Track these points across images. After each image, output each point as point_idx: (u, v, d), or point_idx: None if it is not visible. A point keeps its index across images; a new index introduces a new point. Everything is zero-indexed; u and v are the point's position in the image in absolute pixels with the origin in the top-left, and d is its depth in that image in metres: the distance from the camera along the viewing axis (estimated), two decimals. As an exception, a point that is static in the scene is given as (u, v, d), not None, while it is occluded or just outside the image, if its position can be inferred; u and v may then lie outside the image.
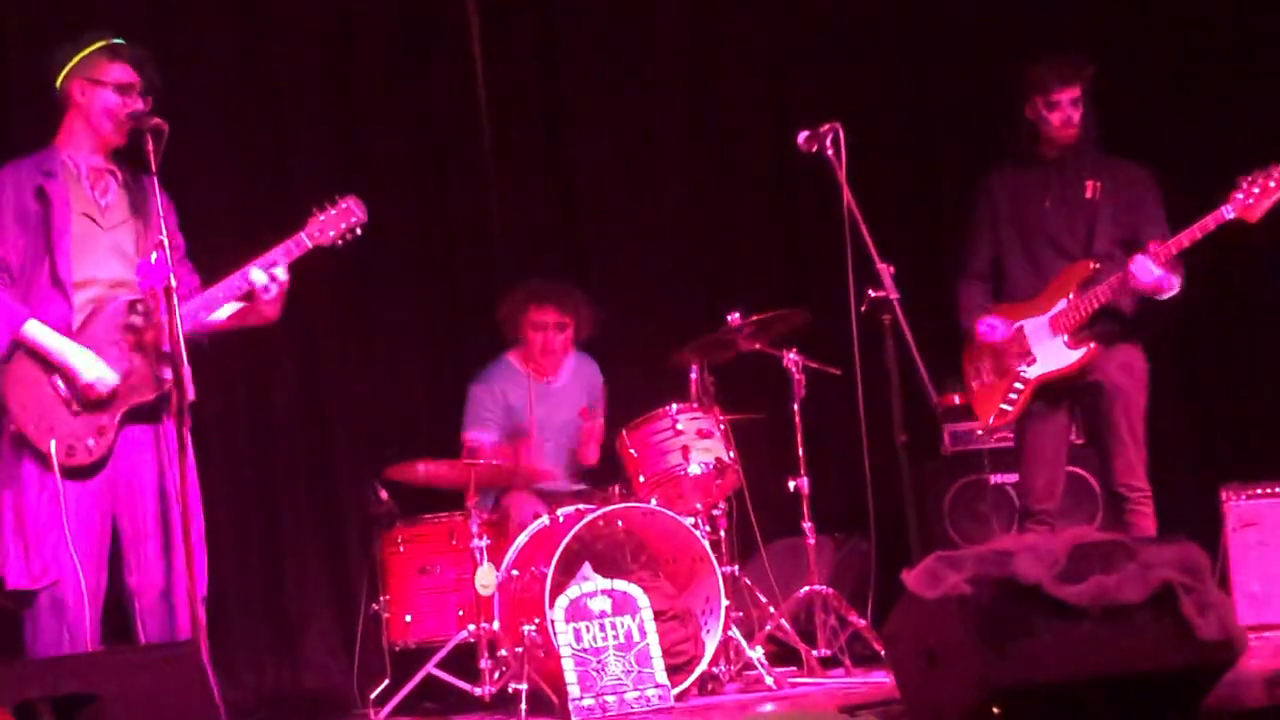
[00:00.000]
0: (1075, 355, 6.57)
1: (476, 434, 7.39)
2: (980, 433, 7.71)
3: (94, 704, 4.36)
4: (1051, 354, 6.62)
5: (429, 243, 8.24)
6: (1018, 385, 6.65)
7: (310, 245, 5.67)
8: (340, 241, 5.75)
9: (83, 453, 5.38)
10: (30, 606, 5.38)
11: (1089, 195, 6.66)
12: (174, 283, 5.20)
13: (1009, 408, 6.68)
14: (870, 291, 6.00)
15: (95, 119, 5.57)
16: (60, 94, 5.62)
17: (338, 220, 5.71)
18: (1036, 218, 6.72)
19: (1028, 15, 8.57)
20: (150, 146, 5.32)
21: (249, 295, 5.60)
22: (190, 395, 5.21)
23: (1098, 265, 6.57)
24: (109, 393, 5.40)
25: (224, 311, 5.68)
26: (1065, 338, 6.59)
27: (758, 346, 7.16)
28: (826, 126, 6.17)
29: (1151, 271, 6.38)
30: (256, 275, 5.54)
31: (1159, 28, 8.66)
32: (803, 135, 6.24)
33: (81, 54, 5.59)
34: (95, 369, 5.39)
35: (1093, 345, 6.56)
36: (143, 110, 5.49)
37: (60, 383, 5.38)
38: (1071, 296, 6.58)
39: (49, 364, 5.38)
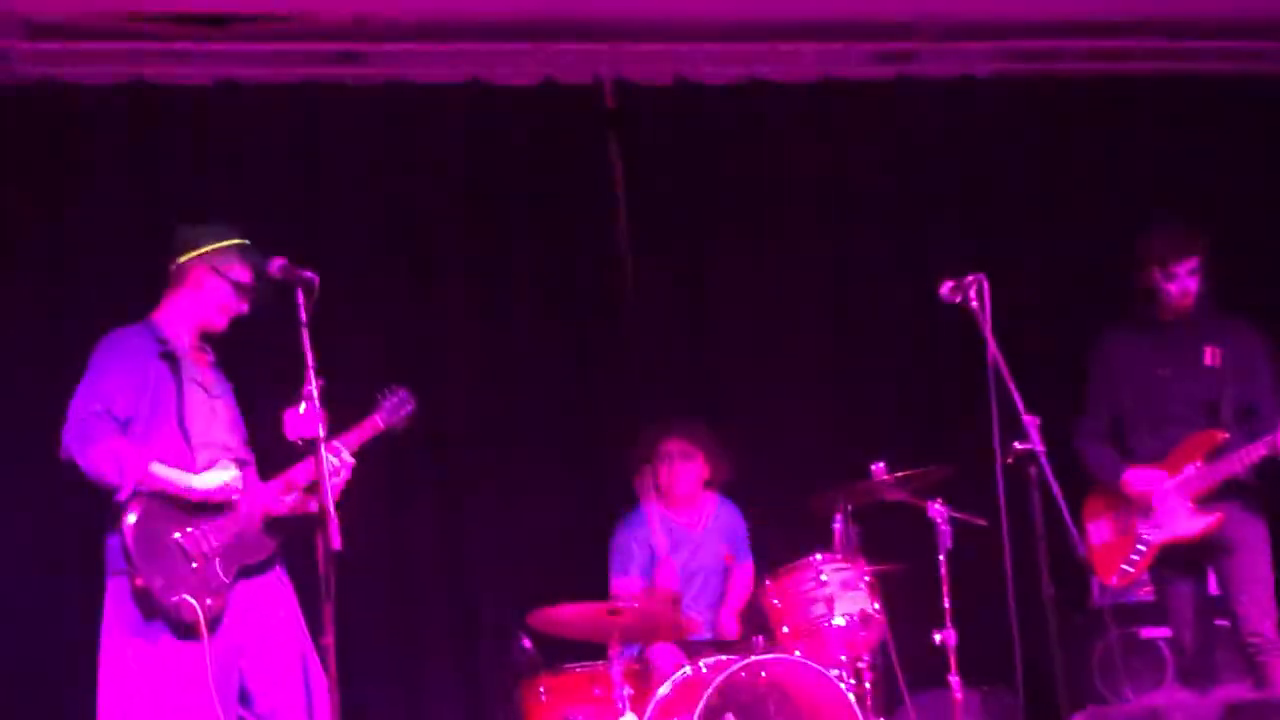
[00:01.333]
0: (1201, 523, 6.57)
1: (623, 581, 7.39)
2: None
3: None
4: (1177, 519, 6.62)
5: (569, 387, 8.30)
6: (1140, 547, 6.63)
7: (383, 427, 6.06)
8: (399, 426, 6.14)
9: (203, 610, 5.45)
10: None
11: (1208, 362, 6.66)
12: (323, 432, 5.30)
13: (1130, 569, 6.66)
14: (1016, 444, 5.99)
15: (206, 305, 5.77)
16: (177, 271, 5.80)
17: (399, 408, 6.13)
18: (1156, 383, 6.72)
19: (1171, 170, 8.58)
20: (300, 299, 5.43)
21: (312, 487, 5.66)
22: (336, 545, 5.30)
23: (1227, 436, 6.55)
24: (239, 490, 5.58)
25: (291, 496, 5.87)
26: (1191, 504, 6.56)
27: (903, 497, 7.12)
28: (971, 277, 6.20)
29: None
30: (327, 460, 5.56)
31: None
32: (947, 286, 6.26)
33: (215, 245, 5.80)
34: (218, 476, 5.57)
35: (1220, 515, 6.52)
36: (290, 264, 5.61)
37: (180, 535, 5.47)
38: (1199, 464, 6.55)
39: (170, 516, 5.47)
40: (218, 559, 5.51)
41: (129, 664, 5.48)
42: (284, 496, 5.78)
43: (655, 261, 8.50)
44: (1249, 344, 6.74)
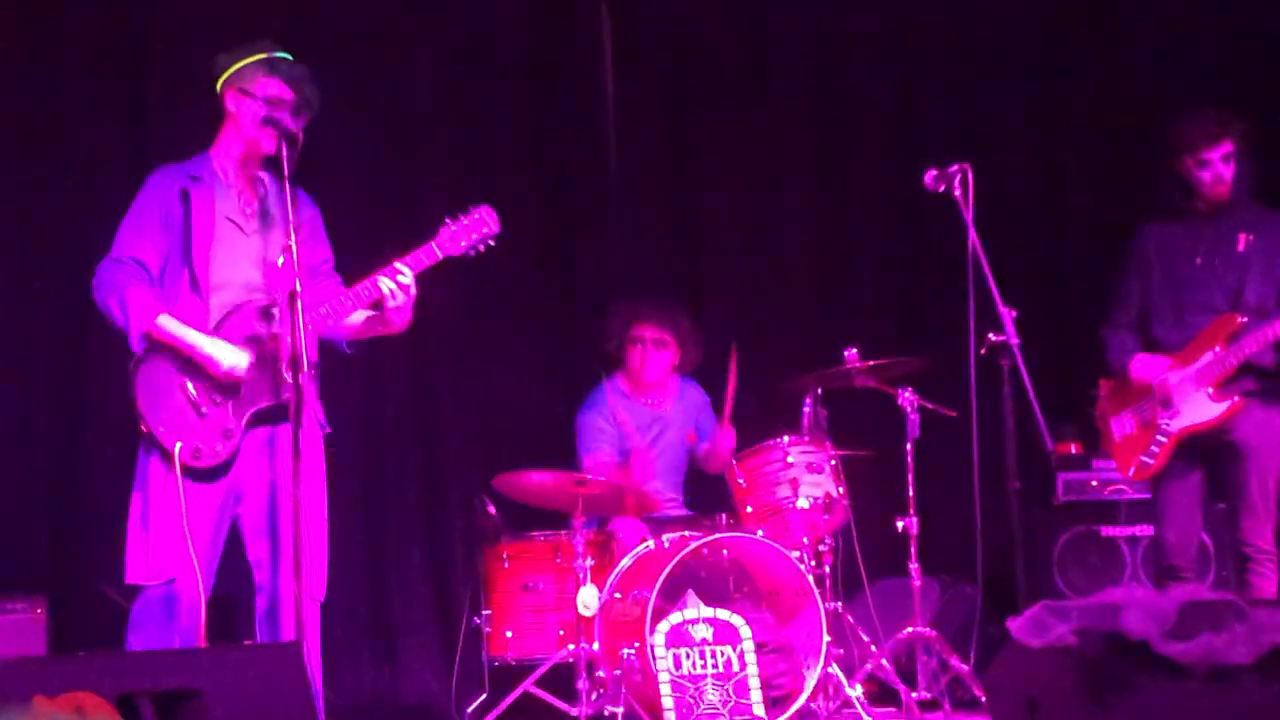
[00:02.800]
0: (1219, 409, 6.50)
1: (595, 457, 7.38)
2: (1094, 483, 7.66)
3: (196, 699, 4.39)
4: (1196, 407, 6.54)
5: (547, 260, 8.28)
6: (1160, 438, 6.57)
7: (441, 255, 5.67)
8: (472, 252, 5.74)
9: (209, 455, 5.44)
10: (142, 602, 5.46)
11: (1241, 249, 6.59)
12: (299, 288, 5.23)
13: (1150, 460, 6.60)
14: (991, 335, 5.99)
15: (246, 129, 5.63)
16: (218, 101, 5.70)
17: (469, 230, 5.72)
18: (1187, 273, 6.65)
19: (1162, 62, 8.53)
20: (284, 152, 5.38)
21: (377, 304, 5.64)
22: (314, 404, 5.26)
23: (1245, 319, 6.50)
24: (243, 377, 5.46)
25: (356, 318, 5.73)
26: (1210, 390, 6.51)
27: (873, 383, 7.12)
28: (955, 167, 6.17)
29: None
30: (384, 283, 5.58)
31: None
32: (930, 174, 6.23)
33: (239, 64, 5.65)
34: (230, 356, 5.45)
35: (1237, 399, 6.49)
36: (278, 116, 5.55)
37: (191, 386, 5.45)
38: (1219, 349, 6.51)
39: (182, 363, 5.45)
40: (230, 404, 5.48)
41: (135, 507, 5.51)
42: (349, 316, 5.70)
43: (640, 136, 8.45)
44: None
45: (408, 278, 5.60)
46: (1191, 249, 6.64)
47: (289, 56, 5.68)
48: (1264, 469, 6.53)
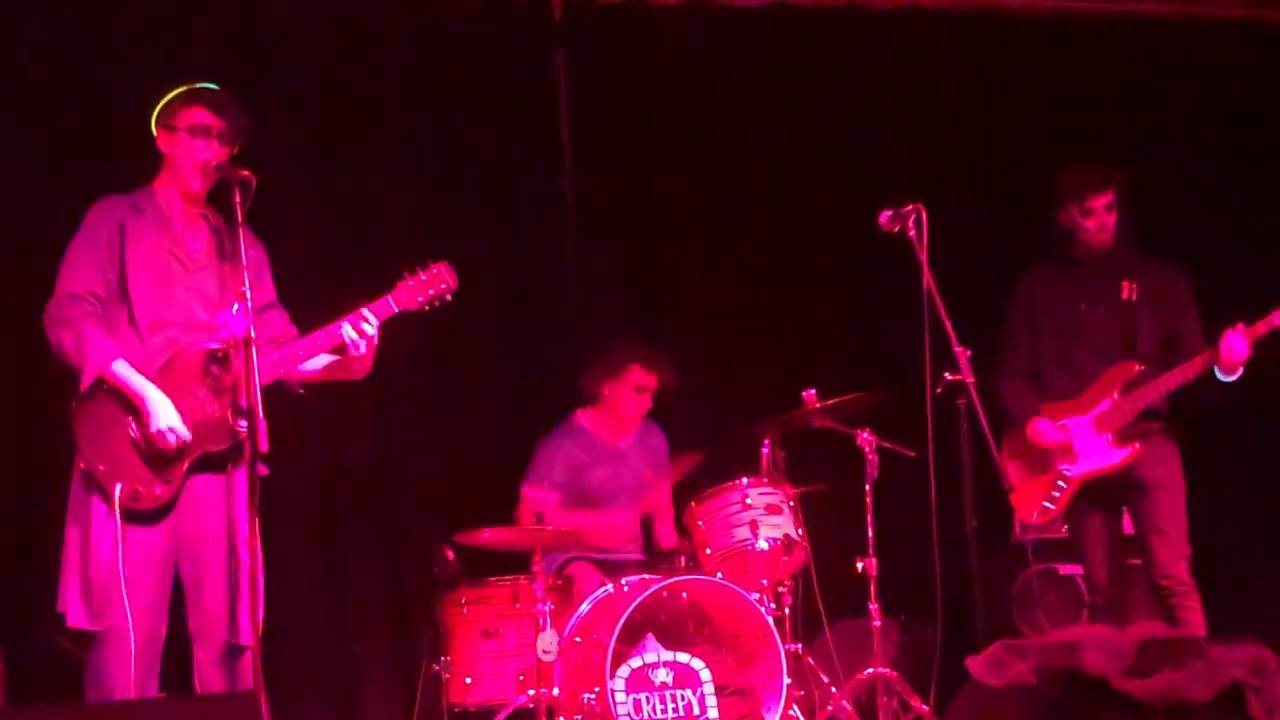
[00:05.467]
0: (1120, 454, 6.65)
1: (535, 491, 7.41)
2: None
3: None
4: (1096, 453, 6.68)
5: (505, 307, 8.26)
6: (1060, 484, 6.68)
7: (396, 309, 5.69)
8: (428, 307, 5.77)
9: (147, 499, 5.41)
10: (90, 649, 5.41)
11: (1125, 296, 6.73)
12: (253, 334, 5.23)
13: (1051, 505, 6.73)
14: (946, 374, 6.02)
15: (177, 165, 5.63)
16: (154, 144, 5.70)
17: (427, 286, 5.74)
18: (1073, 319, 6.79)
19: (1116, 99, 8.66)
20: (237, 198, 5.37)
21: (340, 349, 5.63)
22: (264, 447, 5.23)
23: (1143, 367, 6.62)
24: (175, 447, 5.43)
25: (317, 362, 5.71)
26: (1110, 436, 6.63)
27: (831, 424, 7.14)
28: (910, 207, 6.22)
29: (1241, 350, 6.44)
30: (347, 331, 5.57)
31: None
32: (885, 215, 6.28)
33: (163, 101, 5.66)
34: (170, 419, 5.41)
35: (1138, 445, 6.60)
36: (229, 162, 5.54)
37: (134, 425, 5.42)
38: (1116, 396, 6.63)
39: (127, 404, 5.42)
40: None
41: (71, 542, 5.46)
42: (309, 361, 5.68)
43: (598, 181, 8.46)
44: (1169, 278, 6.82)
45: (372, 326, 5.60)
46: (1076, 295, 6.79)
47: (213, 86, 5.67)
48: (1172, 503, 6.65)
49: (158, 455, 5.42)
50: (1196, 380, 6.58)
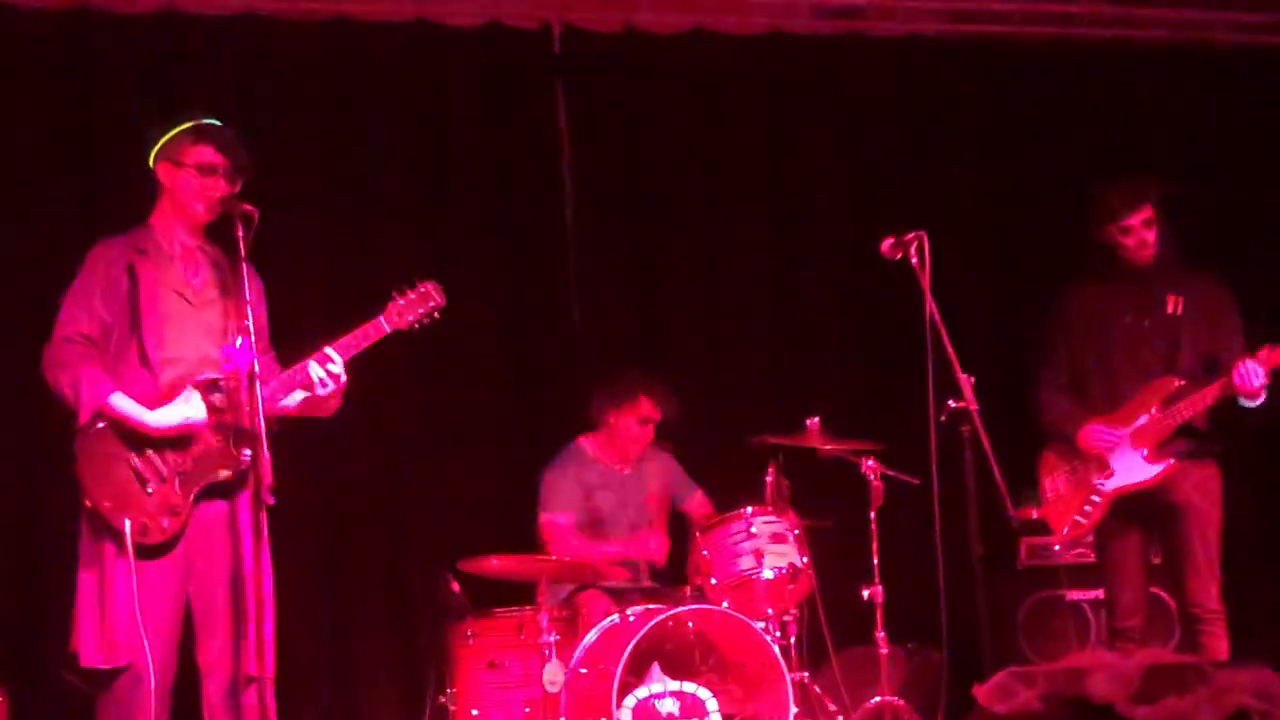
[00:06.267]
0: (1155, 470, 6.56)
1: (554, 516, 7.40)
2: (1057, 548, 7.68)
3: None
4: (1131, 468, 6.60)
5: (507, 335, 8.28)
6: (1094, 498, 6.63)
7: (388, 329, 5.72)
8: (418, 325, 5.79)
9: (155, 533, 5.41)
10: (104, 689, 5.40)
11: (1170, 310, 6.67)
12: (257, 368, 5.25)
13: (1083, 520, 6.67)
14: (950, 402, 6.01)
15: (182, 200, 5.65)
16: (152, 175, 5.71)
17: (416, 305, 5.77)
18: (1116, 334, 6.72)
19: (1116, 125, 8.69)
20: (240, 232, 5.39)
21: (309, 387, 5.64)
22: (268, 479, 5.24)
23: (1182, 382, 6.56)
24: (201, 425, 5.44)
25: (293, 399, 5.72)
26: (1145, 452, 6.57)
27: (835, 452, 7.14)
28: (911, 234, 6.22)
29: (1256, 378, 6.39)
30: (314, 370, 5.59)
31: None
32: (887, 242, 6.28)
33: (167, 137, 5.67)
34: (177, 414, 5.43)
35: (1172, 461, 6.54)
36: (232, 195, 5.57)
37: (136, 460, 5.42)
38: (1154, 411, 6.57)
39: (128, 440, 5.42)
40: (176, 479, 5.45)
41: (86, 584, 5.44)
42: (285, 398, 5.69)
43: (599, 209, 8.47)
44: (1213, 293, 6.74)
45: (338, 366, 5.62)
46: (1120, 309, 6.73)
47: (217, 122, 5.70)
48: (1205, 529, 6.59)
49: (171, 472, 5.42)
50: (1228, 400, 6.54)
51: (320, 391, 5.61)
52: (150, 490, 5.42)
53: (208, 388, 5.51)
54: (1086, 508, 6.65)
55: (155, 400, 5.48)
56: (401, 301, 5.75)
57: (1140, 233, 6.68)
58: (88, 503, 5.42)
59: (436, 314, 5.81)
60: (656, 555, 7.46)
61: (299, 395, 5.71)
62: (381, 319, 5.71)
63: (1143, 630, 6.69)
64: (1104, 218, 6.72)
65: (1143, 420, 6.60)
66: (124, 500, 5.39)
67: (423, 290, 5.80)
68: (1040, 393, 6.86)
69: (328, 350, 5.62)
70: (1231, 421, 6.62)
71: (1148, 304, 6.71)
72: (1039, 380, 6.88)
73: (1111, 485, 6.63)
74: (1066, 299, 6.89)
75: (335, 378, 5.62)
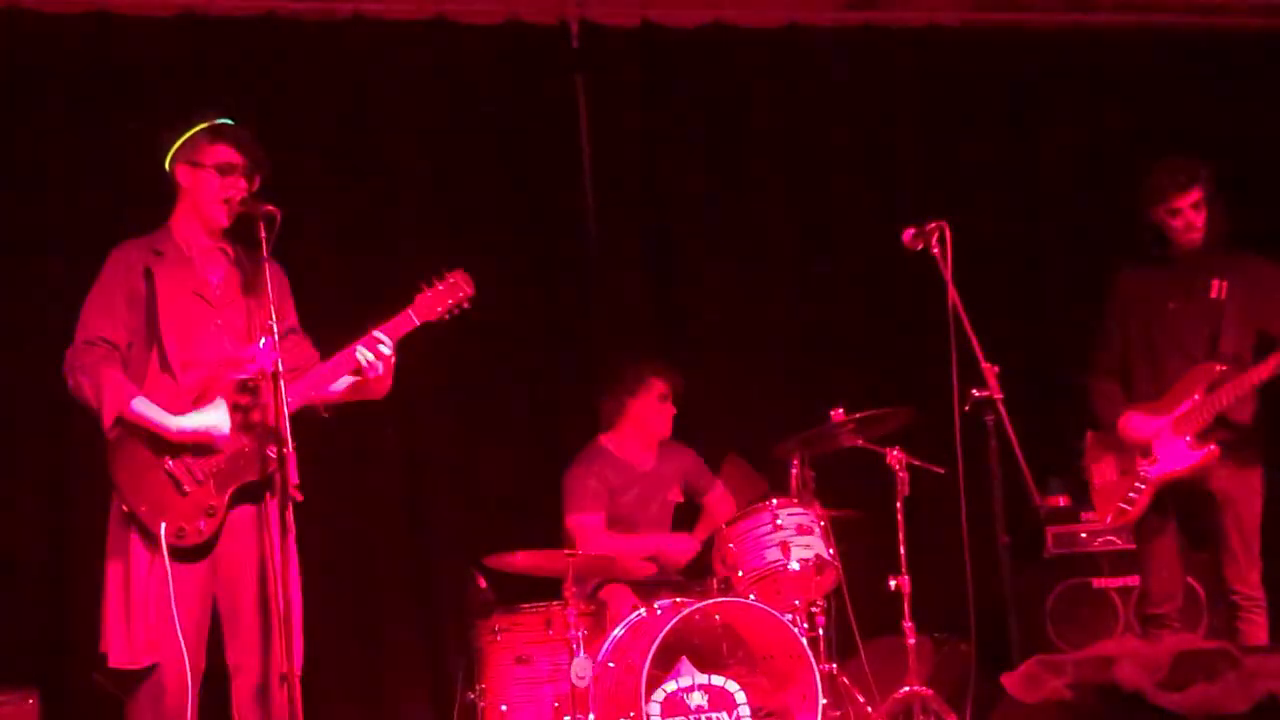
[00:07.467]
0: (1198, 455, 6.56)
1: (582, 516, 7.39)
2: (1084, 535, 7.67)
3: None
4: (1174, 454, 6.60)
5: (530, 333, 8.30)
6: (1139, 485, 6.63)
7: (418, 322, 5.70)
8: (448, 316, 5.78)
9: (193, 535, 5.41)
10: (131, 690, 5.41)
11: (1214, 295, 6.64)
12: (280, 367, 5.25)
13: (1128, 507, 6.67)
14: (974, 391, 6.00)
15: (201, 201, 5.65)
16: (170, 178, 5.72)
17: (445, 296, 5.75)
18: (1161, 319, 6.71)
19: (1137, 115, 8.65)
20: (262, 233, 5.39)
21: (357, 370, 5.64)
22: (294, 479, 5.25)
23: (1224, 368, 6.54)
24: (225, 434, 5.44)
25: (341, 384, 5.72)
26: (1188, 439, 6.56)
27: (860, 443, 7.13)
28: (933, 224, 6.21)
29: None
30: (362, 354, 5.58)
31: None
32: (909, 233, 6.26)
33: (184, 138, 5.68)
34: (200, 421, 5.44)
35: (1214, 447, 6.53)
36: (252, 196, 5.57)
37: (170, 464, 5.43)
38: (1198, 398, 6.56)
39: (158, 444, 5.43)
40: (211, 481, 5.46)
41: (113, 583, 5.46)
42: (329, 385, 5.69)
43: (619, 205, 8.48)
44: (1262, 275, 6.71)
45: (388, 347, 5.61)
46: (1165, 294, 6.71)
47: (231, 121, 5.70)
48: (1241, 517, 6.60)
49: (205, 475, 5.44)
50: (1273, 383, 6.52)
51: (371, 374, 5.61)
52: (186, 492, 5.43)
53: (238, 388, 5.52)
54: (1131, 495, 6.65)
55: (179, 402, 5.49)
56: (430, 293, 5.74)
57: (1188, 215, 6.65)
58: (124, 507, 5.43)
59: (466, 303, 5.79)
60: (680, 557, 7.46)
61: (346, 380, 5.71)
62: (410, 311, 5.70)
63: (1176, 617, 6.69)
64: (1153, 199, 6.69)
65: (1185, 407, 6.59)
66: (160, 504, 5.40)
67: (451, 281, 5.78)
68: (1090, 378, 6.86)
69: (376, 333, 5.62)
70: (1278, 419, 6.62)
71: (1192, 289, 6.70)
72: (1092, 365, 6.88)
73: (1156, 472, 6.62)
74: (1116, 282, 6.88)
75: (385, 359, 5.62)
